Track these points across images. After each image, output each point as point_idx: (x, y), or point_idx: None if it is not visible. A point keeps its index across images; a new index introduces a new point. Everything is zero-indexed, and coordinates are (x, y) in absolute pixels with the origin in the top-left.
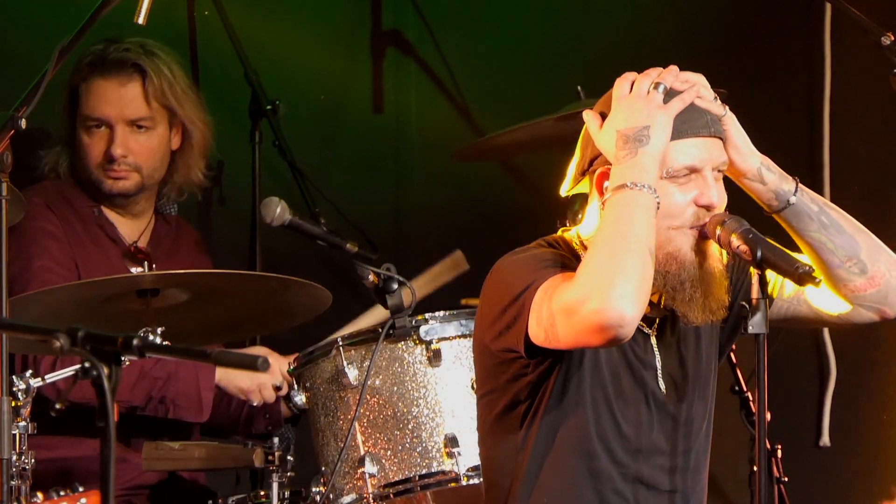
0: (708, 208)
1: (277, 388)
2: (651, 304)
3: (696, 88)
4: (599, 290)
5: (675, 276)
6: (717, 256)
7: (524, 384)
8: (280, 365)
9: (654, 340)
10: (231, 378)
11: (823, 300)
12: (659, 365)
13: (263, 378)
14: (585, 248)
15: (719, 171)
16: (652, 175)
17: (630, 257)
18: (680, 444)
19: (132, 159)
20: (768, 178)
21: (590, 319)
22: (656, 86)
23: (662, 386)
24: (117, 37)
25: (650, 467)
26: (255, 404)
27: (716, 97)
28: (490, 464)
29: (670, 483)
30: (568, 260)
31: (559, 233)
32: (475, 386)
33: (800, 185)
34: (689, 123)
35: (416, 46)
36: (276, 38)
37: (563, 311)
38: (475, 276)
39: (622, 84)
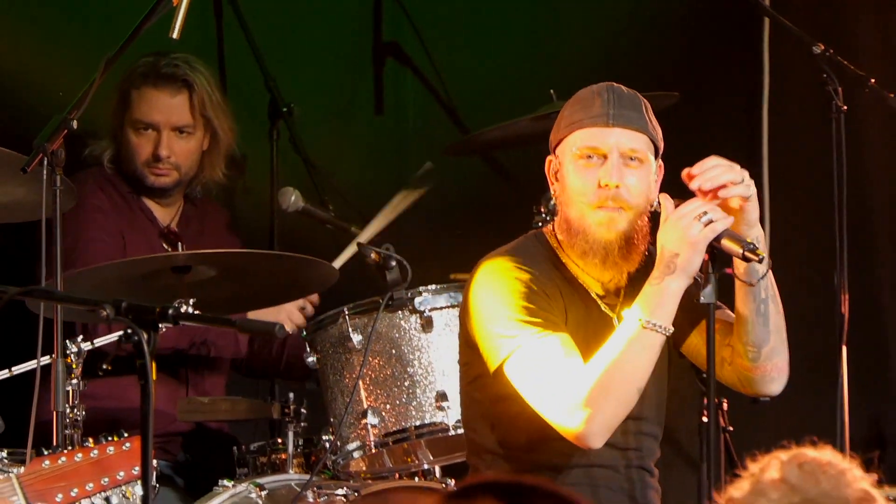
0: (606, 188)
1: (303, 309)
2: (611, 290)
3: (730, 220)
4: (584, 417)
5: (578, 242)
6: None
7: None
8: (300, 307)
9: (615, 322)
10: (261, 316)
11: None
12: None
13: (288, 307)
14: (556, 238)
15: (628, 155)
16: (669, 312)
17: (623, 400)
18: (633, 410)
19: (174, 159)
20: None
21: (563, 430)
22: (701, 216)
23: None
24: (165, 51)
25: None
26: (289, 332)
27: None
28: (467, 421)
29: (624, 442)
30: (541, 271)
31: (544, 227)
32: (461, 369)
33: (769, 272)
34: (598, 112)
35: (411, 56)
36: (291, 50)
37: (542, 404)
38: (462, 254)
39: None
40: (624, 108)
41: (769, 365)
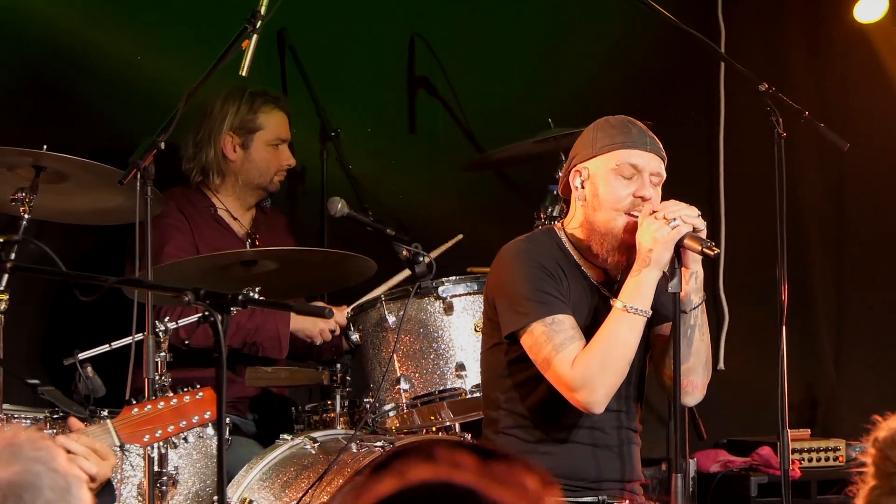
0: (643, 199)
1: (332, 331)
2: (607, 278)
3: (691, 226)
4: (587, 388)
5: (606, 243)
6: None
7: None
8: (337, 318)
9: (611, 301)
10: (300, 327)
11: (660, 358)
12: None
13: (322, 325)
14: (567, 233)
15: (654, 178)
16: (647, 298)
17: (618, 372)
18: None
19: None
20: (692, 285)
21: (572, 398)
22: (669, 221)
23: None
24: (245, 85)
25: None
26: (318, 343)
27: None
28: (486, 382)
29: (617, 405)
30: (550, 258)
31: (554, 224)
32: (481, 332)
33: (703, 304)
34: (638, 139)
35: (438, 88)
36: (339, 83)
37: (555, 378)
38: (478, 251)
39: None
40: (654, 140)
41: (685, 381)
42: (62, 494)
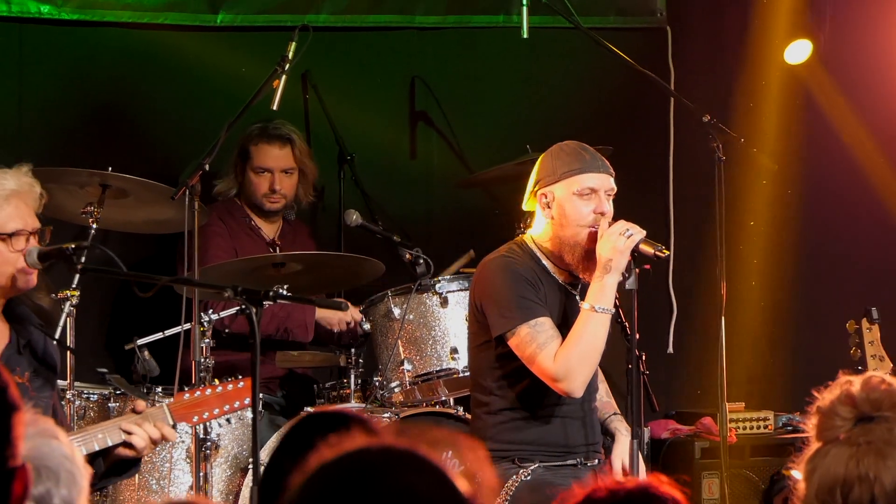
0: (602, 214)
1: (348, 324)
2: (573, 282)
3: (644, 232)
4: (568, 379)
5: (576, 253)
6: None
7: None
8: (352, 312)
9: (578, 299)
10: (322, 317)
11: None
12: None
13: (341, 316)
14: (537, 245)
15: (608, 193)
16: (609, 298)
17: (591, 363)
18: None
19: (283, 191)
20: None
21: (556, 387)
22: (624, 231)
23: None
24: (269, 118)
25: None
26: (336, 331)
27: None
28: (475, 370)
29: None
30: (528, 268)
31: (521, 236)
32: (470, 336)
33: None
34: (591, 164)
35: (434, 120)
36: (352, 116)
37: (540, 371)
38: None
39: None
40: (603, 161)
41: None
42: (71, 460)
